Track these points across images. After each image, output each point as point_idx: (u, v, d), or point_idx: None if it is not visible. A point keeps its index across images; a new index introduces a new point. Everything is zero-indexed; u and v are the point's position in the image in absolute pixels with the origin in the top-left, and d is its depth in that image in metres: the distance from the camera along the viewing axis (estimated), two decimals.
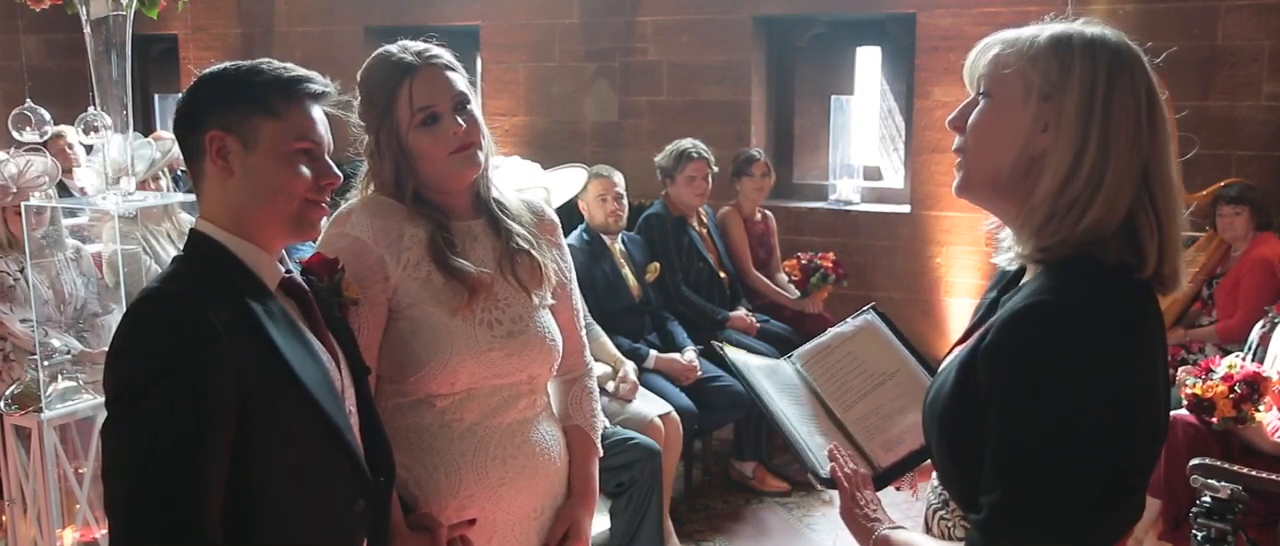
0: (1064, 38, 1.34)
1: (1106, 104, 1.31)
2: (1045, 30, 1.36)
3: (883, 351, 1.82)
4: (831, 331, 1.88)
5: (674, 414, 4.11)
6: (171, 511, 1.39)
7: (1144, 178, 1.32)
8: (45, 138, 3.40)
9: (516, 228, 1.97)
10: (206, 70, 1.59)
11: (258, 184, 1.54)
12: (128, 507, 1.40)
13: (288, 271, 1.64)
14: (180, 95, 1.60)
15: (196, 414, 1.41)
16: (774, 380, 1.83)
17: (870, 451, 1.72)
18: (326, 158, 1.59)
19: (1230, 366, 3.48)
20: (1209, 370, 3.51)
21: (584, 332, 2.15)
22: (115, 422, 1.44)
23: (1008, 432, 1.29)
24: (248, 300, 1.52)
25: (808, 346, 1.89)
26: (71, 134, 2.87)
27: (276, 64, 1.57)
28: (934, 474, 1.59)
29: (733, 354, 1.90)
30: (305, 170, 1.56)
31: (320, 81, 1.59)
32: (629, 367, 4.13)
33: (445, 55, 1.91)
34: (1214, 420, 3.44)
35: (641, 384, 4.18)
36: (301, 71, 1.58)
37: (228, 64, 1.58)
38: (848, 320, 1.88)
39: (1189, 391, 3.51)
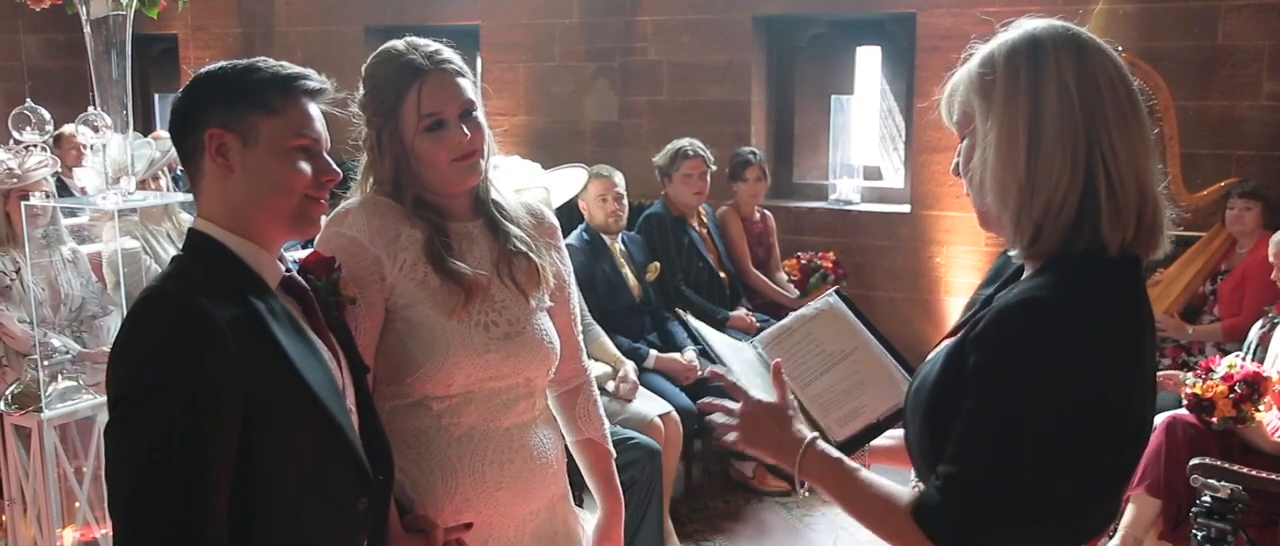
0: (987, 56, 1.39)
1: (1032, 92, 1.34)
2: (976, 55, 1.41)
3: (842, 332, 1.86)
4: (793, 315, 1.92)
5: (674, 413, 4.11)
6: (175, 513, 1.38)
7: (1088, 150, 1.34)
8: (48, 137, 3.39)
9: (514, 230, 1.95)
10: (202, 69, 1.58)
11: (258, 181, 1.54)
12: (131, 510, 1.39)
13: (287, 270, 1.63)
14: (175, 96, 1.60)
15: (200, 414, 1.41)
16: (736, 359, 1.86)
17: (826, 426, 1.75)
18: (325, 154, 1.59)
19: (1230, 366, 3.47)
20: (1209, 370, 3.50)
21: (581, 336, 2.14)
22: (118, 424, 1.43)
23: (983, 413, 1.32)
24: (251, 299, 1.51)
25: (769, 330, 1.92)
26: (85, 134, 2.86)
27: (272, 62, 1.57)
28: (913, 471, 1.61)
29: (696, 323, 1.96)
30: (305, 166, 1.56)
31: (317, 78, 1.59)
32: (629, 367, 4.13)
33: (455, 60, 1.89)
34: (1214, 420, 3.43)
35: (641, 384, 4.18)
36: (298, 69, 1.58)
37: (224, 63, 1.58)
38: (810, 304, 1.91)
39: (1189, 391, 3.51)
